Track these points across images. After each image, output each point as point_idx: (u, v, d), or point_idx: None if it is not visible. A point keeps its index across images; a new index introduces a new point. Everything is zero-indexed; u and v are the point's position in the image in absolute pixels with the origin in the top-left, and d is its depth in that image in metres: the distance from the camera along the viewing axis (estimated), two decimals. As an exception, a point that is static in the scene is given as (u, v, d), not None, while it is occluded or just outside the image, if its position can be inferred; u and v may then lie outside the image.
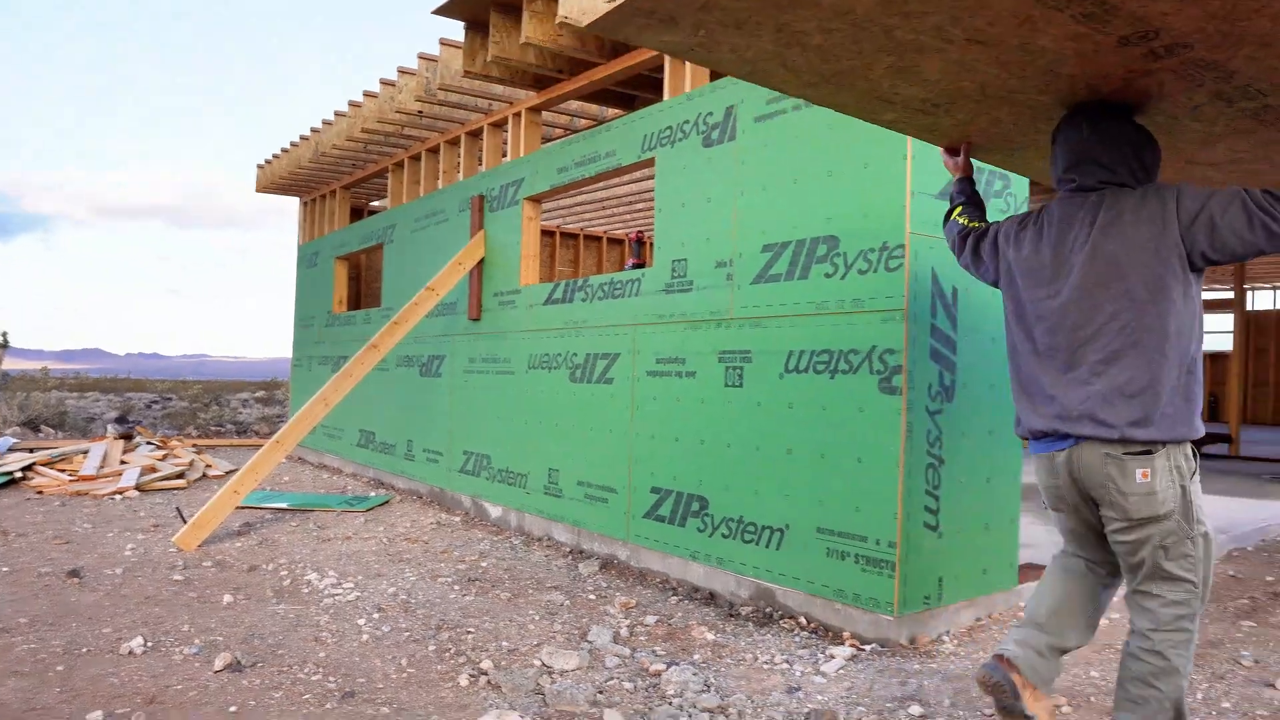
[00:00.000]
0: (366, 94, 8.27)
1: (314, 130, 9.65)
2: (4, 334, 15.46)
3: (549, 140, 7.91)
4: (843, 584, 4.21)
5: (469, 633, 4.18)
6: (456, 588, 5.00)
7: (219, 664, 3.64)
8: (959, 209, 3.20)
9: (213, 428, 14.62)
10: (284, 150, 10.55)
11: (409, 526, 6.75)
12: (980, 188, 4.27)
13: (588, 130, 6.29)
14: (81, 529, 6.41)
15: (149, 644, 3.90)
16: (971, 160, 3.30)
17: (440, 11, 6.11)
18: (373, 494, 8.24)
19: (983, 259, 3.00)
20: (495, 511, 6.92)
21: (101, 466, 8.85)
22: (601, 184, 9.21)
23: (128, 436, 10.87)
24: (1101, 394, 2.50)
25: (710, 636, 4.19)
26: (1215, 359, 18.30)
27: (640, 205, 10.33)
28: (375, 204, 12.16)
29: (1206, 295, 14.39)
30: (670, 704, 3.33)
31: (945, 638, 4.10)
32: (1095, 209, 2.58)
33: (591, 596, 4.89)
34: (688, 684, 3.50)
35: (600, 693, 3.45)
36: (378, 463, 9.02)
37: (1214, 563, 2.63)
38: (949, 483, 4.15)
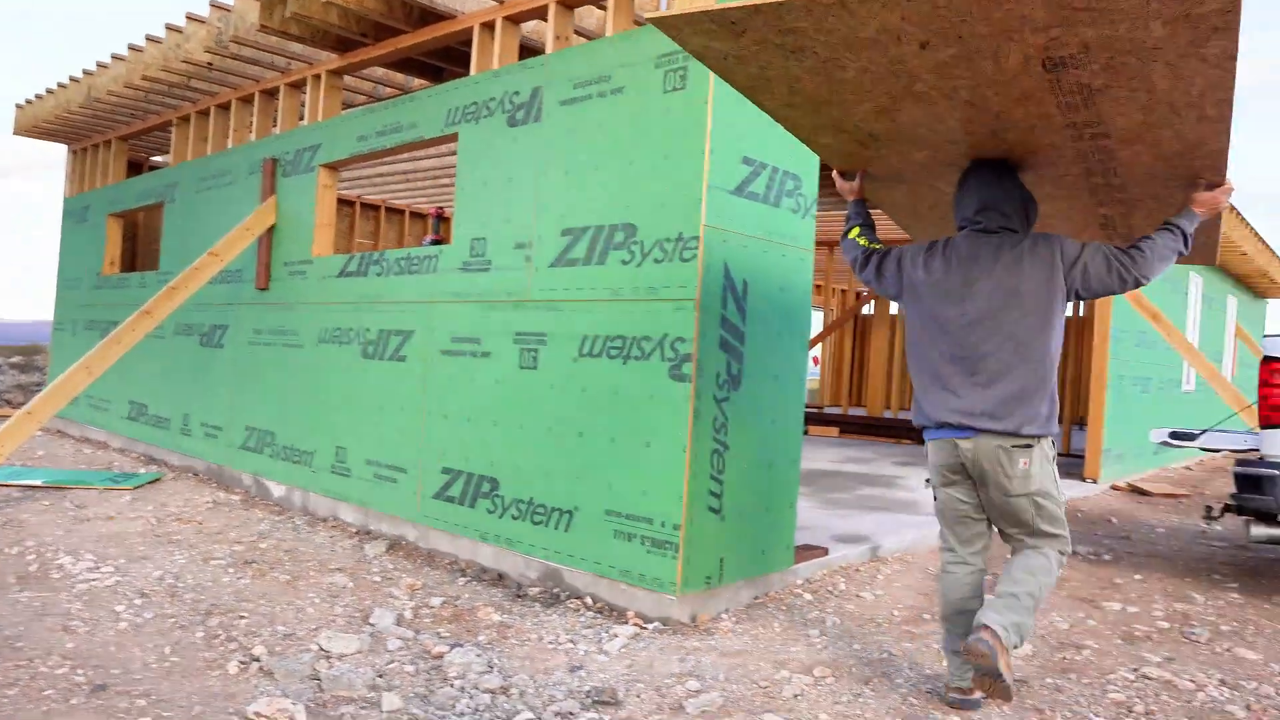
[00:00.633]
0: (150, 39, 7.62)
1: (87, 72, 8.79)
2: None
3: (350, 106, 7.59)
4: (628, 565, 4.33)
5: (242, 618, 4.00)
6: (231, 570, 4.76)
7: (-55, 660, 3.30)
8: (857, 230, 3.66)
9: (-45, 395, 13.10)
10: (50, 91, 9.55)
11: (182, 505, 6.34)
12: (774, 186, 4.50)
13: (392, 99, 6.09)
14: None
15: None
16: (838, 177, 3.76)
17: (232, -42, 5.72)
18: (142, 471, 7.67)
19: (885, 276, 3.52)
20: (278, 490, 6.62)
21: None
22: (406, 155, 8.95)
23: None
24: (999, 398, 3.12)
25: (497, 617, 4.20)
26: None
27: (445, 180, 10.11)
28: (157, 159, 11.24)
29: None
30: (452, 685, 3.32)
31: (725, 616, 4.29)
32: (998, 249, 3.21)
33: (377, 578, 4.78)
34: (470, 665, 3.50)
35: (380, 676, 3.39)
36: (150, 437, 8.40)
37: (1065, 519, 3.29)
38: (733, 468, 4.35)
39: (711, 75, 4.10)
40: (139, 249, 11.09)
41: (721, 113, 4.17)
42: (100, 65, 8.54)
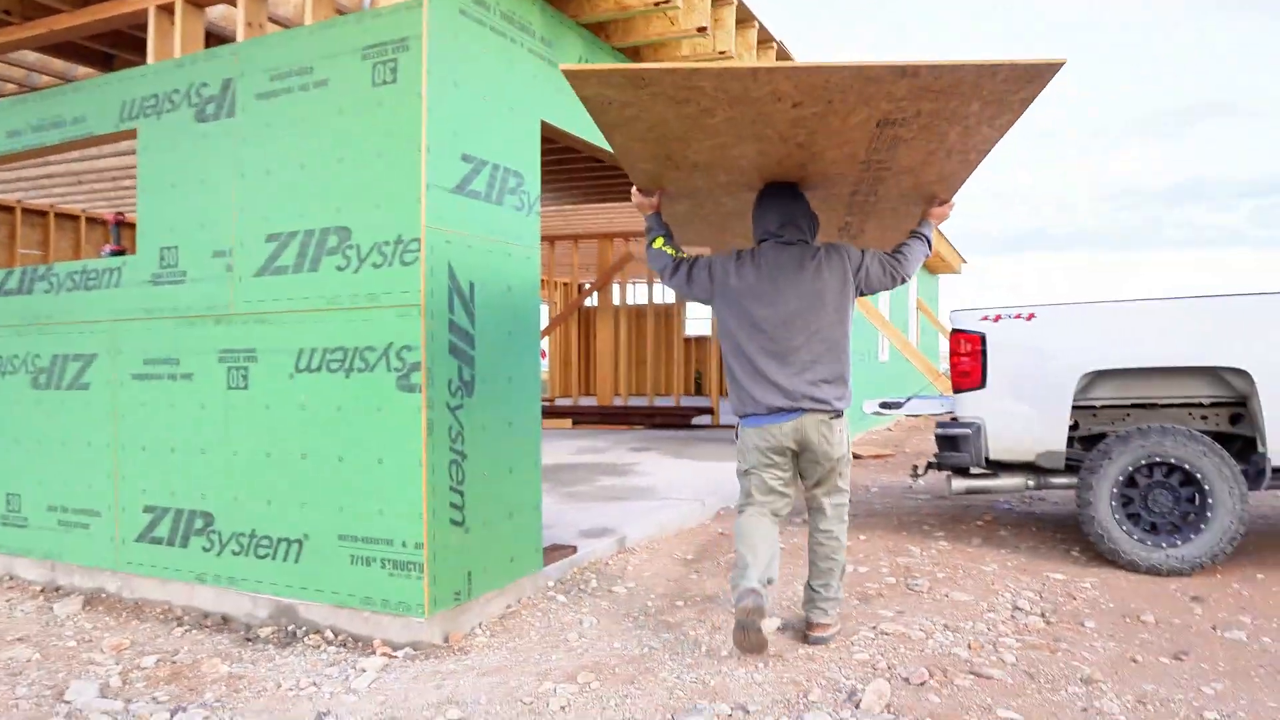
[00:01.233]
0: None
1: None
2: None
3: (-4, 97, 6.52)
4: (370, 591, 4.02)
5: (-113, 723, 3.28)
6: None
7: None
8: (661, 240, 4.00)
9: None
10: None
11: None
12: (496, 184, 4.34)
13: (51, 89, 5.26)
14: None
15: None
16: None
17: None
18: None
19: (695, 282, 3.91)
20: (-64, 555, 5.58)
21: None
22: (77, 154, 7.87)
23: None
24: (813, 382, 3.66)
25: (225, 669, 3.75)
26: (700, 342, 20.90)
27: (128, 182, 9.03)
28: None
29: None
30: (170, 763, 2.90)
31: (478, 630, 4.10)
32: (800, 258, 3.73)
33: (72, 643, 4.13)
34: (193, 734, 3.08)
35: (78, 767, 2.89)
36: None
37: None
38: (473, 477, 4.16)
39: (425, 67, 3.87)
40: None
41: (438, 107, 3.94)
42: None
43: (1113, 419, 5.36)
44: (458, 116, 4.08)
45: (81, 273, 4.99)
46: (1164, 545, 4.84)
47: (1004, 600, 4.36)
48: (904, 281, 3.89)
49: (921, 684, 3.31)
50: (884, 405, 5.96)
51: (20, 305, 5.23)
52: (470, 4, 4.17)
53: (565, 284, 19.03)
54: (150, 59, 4.77)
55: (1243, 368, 4.83)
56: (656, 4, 4.76)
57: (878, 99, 3.04)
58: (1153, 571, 4.81)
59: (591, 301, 16.88)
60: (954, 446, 5.37)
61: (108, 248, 5.13)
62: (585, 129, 5.12)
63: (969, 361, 5.32)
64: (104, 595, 4.84)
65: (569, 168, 8.20)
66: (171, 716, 3.23)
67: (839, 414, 3.71)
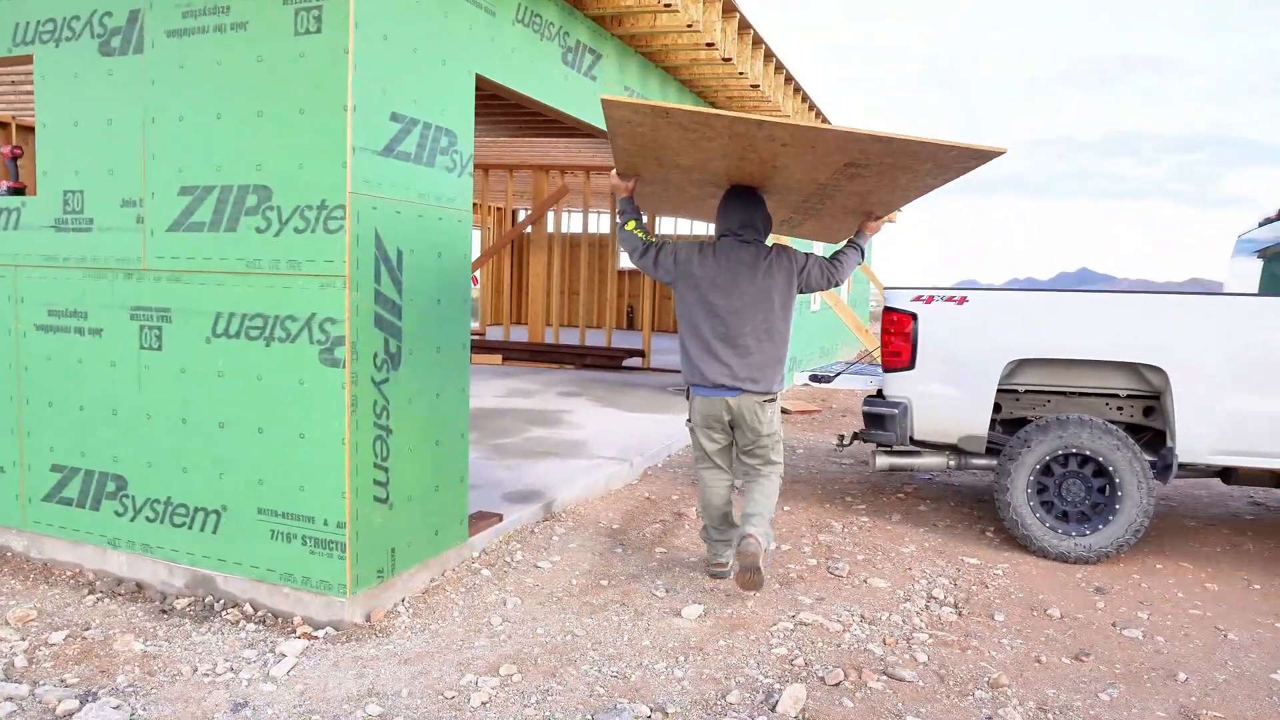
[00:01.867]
0: None
1: None
2: None
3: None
4: (291, 567, 3.92)
5: None
6: None
7: None
8: (633, 224, 4.45)
9: None
10: None
11: None
12: (427, 145, 4.13)
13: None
14: None
15: None
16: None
17: None
18: None
19: (661, 265, 4.38)
20: None
21: None
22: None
23: None
24: (755, 365, 4.19)
25: (139, 647, 3.63)
26: (634, 275, 20.84)
27: (29, 86, 8.40)
28: None
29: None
30: (72, 762, 2.80)
31: (401, 607, 4.05)
32: (755, 256, 4.26)
33: (-30, 611, 3.96)
34: (101, 726, 2.98)
35: (-28, 765, 2.78)
36: None
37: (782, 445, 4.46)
38: (398, 452, 4.05)
39: (352, 18, 3.61)
40: None
41: (365, 63, 3.70)
42: None
43: (1034, 404, 5.47)
44: (387, 72, 3.84)
45: (-24, 210, 4.64)
46: (1073, 534, 5.00)
47: (920, 588, 4.46)
48: (838, 284, 4.48)
49: (836, 685, 3.37)
50: (814, 378, 5.98)
51: (-92, 240, 4.85)
52: (405, -49, 3.90)
53: (499, 209, 18.60)
54: (49, -20, 4.37)
55: (1159, 365, 4.95)
56: (612, -29, 4.53)
57: (852, 151, 3.66)
58: (1061, 559, 4.97)
59: (527, 229, 16.56)
60: (880, 425, 5.43)
61: (4, 184, 4.77)
62: (522, 83, 4.91)
63: (899, 341, 5.34)
64: (10, 554, 4.65)
65: (504, 102, 7.90)
66: (81, 705, 3.13)
67: (773, 398, 4.27)
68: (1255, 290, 7.17)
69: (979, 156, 3.52)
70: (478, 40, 4.47)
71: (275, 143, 3.81)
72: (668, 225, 20.22)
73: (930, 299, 5.34)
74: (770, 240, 4.59)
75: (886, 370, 5.45)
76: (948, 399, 5.31)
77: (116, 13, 4.14)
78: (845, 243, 4.54)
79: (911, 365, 5.35)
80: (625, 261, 20.09)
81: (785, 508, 5.84)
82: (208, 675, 3.41)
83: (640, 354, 12.84)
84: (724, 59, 6.47)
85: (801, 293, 4.37)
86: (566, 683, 3.35)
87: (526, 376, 11.67)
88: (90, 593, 4.23)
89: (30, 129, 10.20)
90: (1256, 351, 4.83)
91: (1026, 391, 5.45)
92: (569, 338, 15.61)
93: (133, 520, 4.30)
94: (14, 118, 7.66)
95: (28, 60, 4.51)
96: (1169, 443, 5.03)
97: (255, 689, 3.30)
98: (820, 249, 12.12)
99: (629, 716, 3.09)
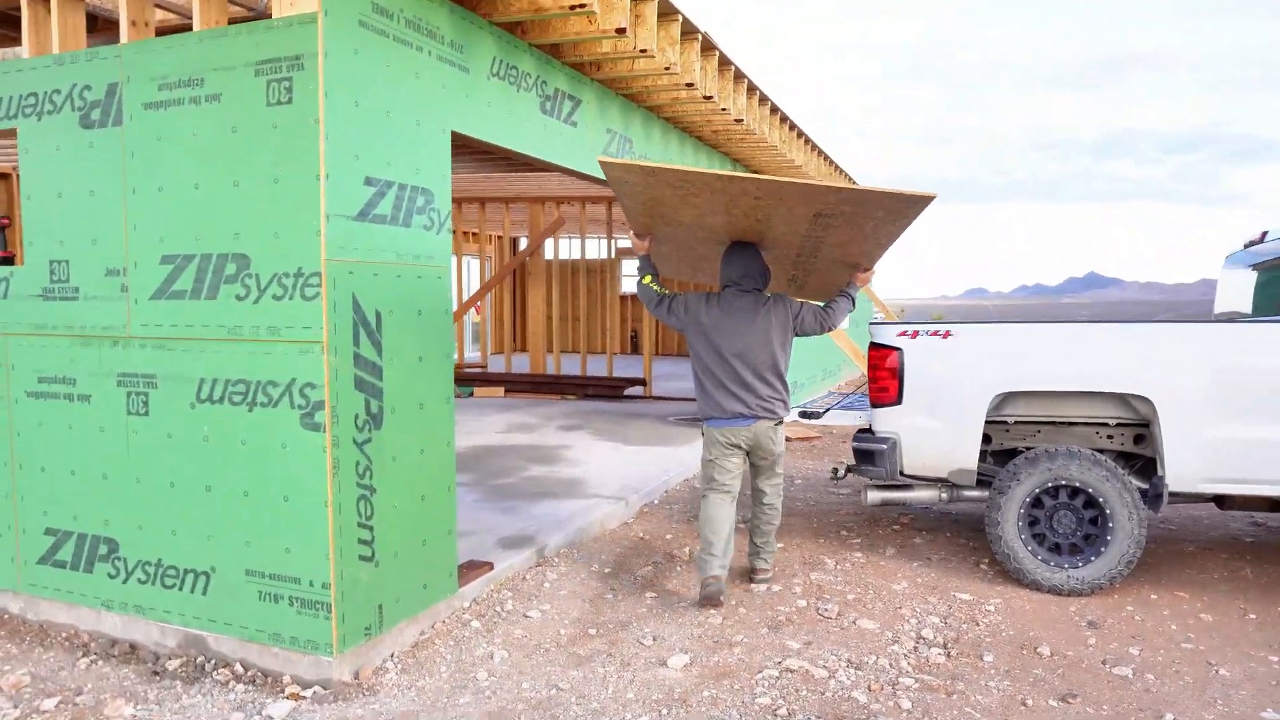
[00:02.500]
0: None
1: None
2: None
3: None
4: (279, 628, 3.96)
5: None
6: None
7: None
8: (649, 278, 5.11)
9: None
10: None
11: None
12: (403, 205, 4.18)
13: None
14: None
15: None
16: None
17: None
18: None
19: (675, 314, 5.00)
20: None
21: None
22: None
23: None
24: (764, 398, 4.83)
25: (129, 711, 3.68)
26: (637, 300, 20.79)
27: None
28: None
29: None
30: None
31: (390, 663, 4.07)
32: (754, 304, 4.88)
33: (-35, 679, 4.00)
34: (81, 805, 3.01)
35: None
36: None
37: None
38: (383, 510, 4.08)
39: (322, 88, 3.67)
40: None
41: (337, 130, 3.76)
42: None
43: (1024, 435, 5.46)
44: (360, 138, 3.90)
45: (-33, 280, 4.72)
46: (1065, 566, 4.98)
47: (909, 628, 4.46)
48: (831, 329, 5.06)
49: (820, 738, 3.37)
50: (803, 414, 5.99)
51: (-98, 310, 4.94)
52: (370, 14, 3.96)
53: (499, 237, 18.70)
54: (27, 52, 4.48)
55: (1144, 394, 4.94)
56: (571, 7, 4.58)
57: (815, 202, 4.28)
58: (1054, 591, 4.95)
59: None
60: (869, 460, 5.43)
61: (-6, 254, 4.86)
62: (499, 135, 4.98)
63: (886, 376, 5.35)
64: (7, 616, 4.71)
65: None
66: (65, 776, 3.16)
67: (781, 421, 4.93)
68: (1249, 304, 7.14)
69: (913, 201, 4.16)
70: (452, 98, 4.53)
71: (251, 212, 3.87)
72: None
73: (915, 334, 5.35)
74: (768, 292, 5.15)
75: (874, 405, 5.45)
76: (935, 433, 5.30)
77: (95, 86, 4.22)
78: (839, 292, 5.08)
79: (898, 400, 5.35)
80: (629, 286, 20.18)
81: (779, 545, 5.83)
82: (195, 742, 3.44)
83: (642, 383, 12.85)
84: (705, 97, 6.52)
85: (799, 335, 5.00)
86: (549, 743, 3.37)
87: (528, 409, 11.71)
88: (84, 654, 4.28)
89: None
90: (1242, 378, 4.82)
91: (1016, 423, 5.45)
92: (571, 364, 15.63)
93: (125, 582, 4.34)
94: (6, 218, 7.81)
95: (12, 134, 4.59)
96: (1159, 471, 5.01)
97: (241, 756, 3.33)
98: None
99: (609, 778, 3.10)
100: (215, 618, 4.12)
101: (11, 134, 5.20)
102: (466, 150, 7.04)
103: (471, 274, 18.22)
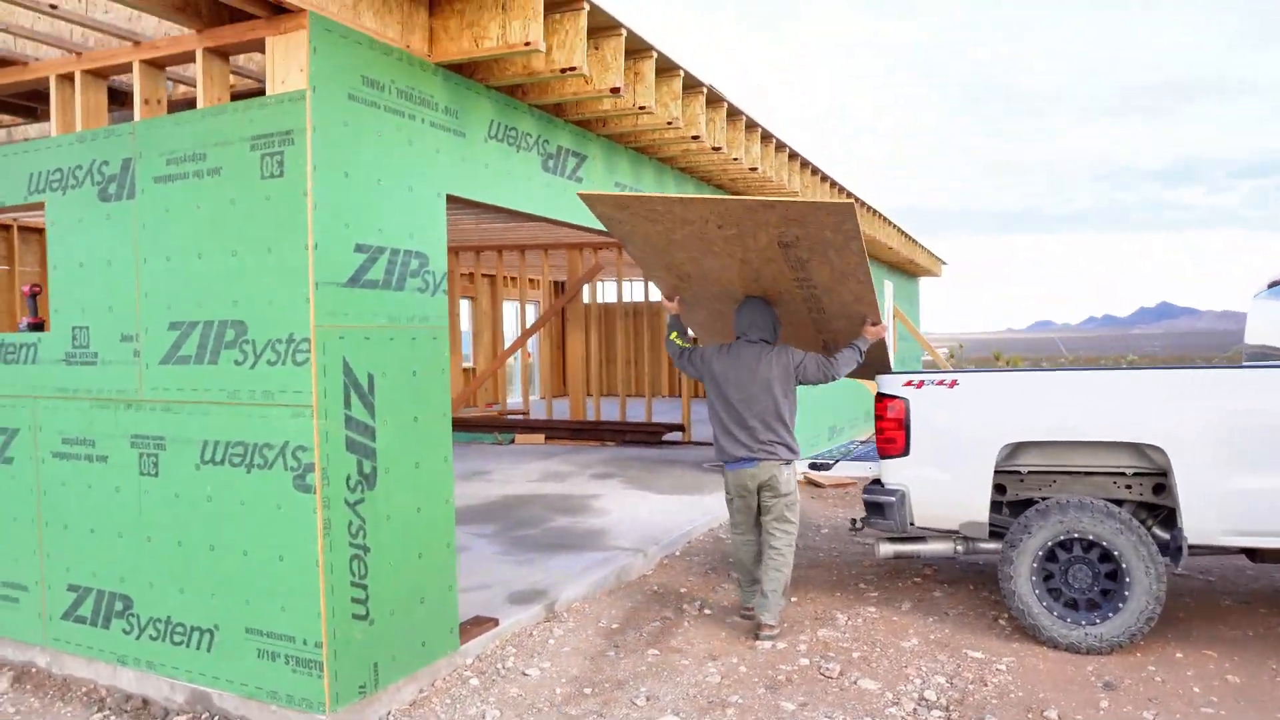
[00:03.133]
0: None
1: None
2: None
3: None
4: (276, 685, 4.04)
5: None
6: None
7: None
8: (675, 334, 5.53)
9: None
10: None
11: None
12: (396, 270, 4.30)
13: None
14: None
15: None
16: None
17: None
18: None
19: (693, 365, 5.42)
20: None
21: None
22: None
23: None
24: (766, 442, 5.10)
25: (128, 765, 3.78)
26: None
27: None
28: None
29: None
30: None
31: (386, 720, 4.13)
32: (758, 353, 5.18)
33: (-16, 733, 4.16)
34: None
35: None
36: None
37: (799, 510, 5.38)
38: (377, 569, 4.15)
39: (310, 161, 3.82)
40: None
41: (326, 201, 3.90)
42: None
43: (1040, 485, 5.33)
44: (350, 207, 4.04)
45: (1, 346, 4.98)
46: (1083, 623, 4.82)
47: (912, 688, 4.35)
48: (835, 379, 5.25)
49: (798, 806, 3.30)
50: (813, 466, 5.93)
51: (-57, 375, 5.22)
52: (361, 87, 4.11)
53: (550, 281, 19.00)
54: (54, 130, 4.73)
55: (1157, 444, 4.79)
56: (563, 70, 4.69)
57: (765, 225, 4.61)
58: (1072, 649, 4.79)
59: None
60: (879, 513, 5.35)
61: (25, 320, 5.11)
62: (498, 195, 5.11)
63: (893, 427, 5.28)
64: (34, 670, 4.88)
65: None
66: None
67: (787, 462, 5.16)
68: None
69: (834, 211, 4.44)
70: (447, 162, 4.66)
71: (248, 280, 4.02)
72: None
73: (921, 383, 5.28)
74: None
75: (882, 457, 5.38)
76: (944, 485, 5.21)
77: (112, 161, 4.45)
78: (848, 345, 5.30)
79: (906, 451, 5.28)
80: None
81: (793, 598, 5.76)
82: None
83: (680, 428, 12.84)
84: (713, 148, 6.58)
85: (802, 383, 5.23)
86: (524, 807, 3.36)
87: (565, 457, 11.77)
88: (99, 709, 4.41)
89: (31, 230, 10.77)
90: (1260, 426, 4.65)
91: (1030, 473, 5.32)
92: (612, 408, 15.69)
93: (138, 638, 4.48)
94: (15, 220, 8.03)
95: (40, 207, 4.85)
96: (1179, 523, 4.84)
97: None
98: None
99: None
100: (219, 675, 4.22)
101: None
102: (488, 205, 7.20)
103: (517, 319, 18.50)
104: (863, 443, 7.30)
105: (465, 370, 16.74)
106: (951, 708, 4.14)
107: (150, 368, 4.36)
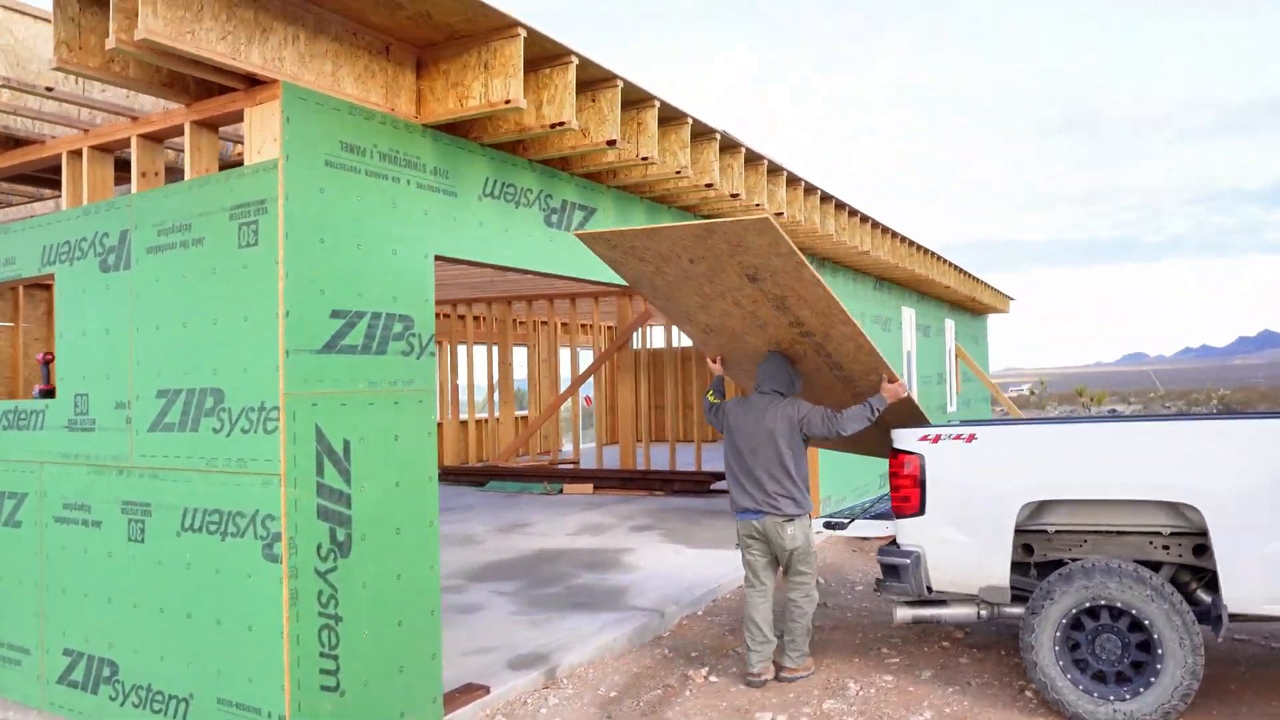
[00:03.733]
0: None
1: None
2: None
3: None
4: (247, 756, 3.98)
5: None
6: None
7: None
8: (710, 393, 5.71)
9: None
10: None
11: None
12: (377, 334, 4.28)
13: (-12, 229, 5.45)
14: None
15: None
16: None
17: None
18: None
19: (717, 418, 5.52)
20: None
21: None
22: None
23: None
24: (770, 494, 5.15)
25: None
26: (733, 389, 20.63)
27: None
28: None
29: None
30: None
31: (358, 793, 4.02)
32: (766, 405, 5.23)
33: (-24, 798, 4.19)
34: None
35: None
36: None
37: (816, 564, 5.40)
38: (349, 638, 4.08)
39: (281, 230, 3.83)
40: None
41: (299, 267, 3.90)
42: None
43: (1069, 545, 4.98)
44: (326, 272, 4.03)
45: (14, 412, 5.12)
46: (1111, 698, 4.45)
47: (912, 771, 4.06)
48: (840, 435, 5.15)
49: None
50: (828, 524, 5.68)
51: (-33, 439, 5.40)
52: (339, 153, 4.13)
53: (609, 327, 19.05)
54: (65, 204, 4.88)
55: (1191, 503, 4.43)
56: (552, 125, 4.65)
57: (724, 255, 4.60)
58: (1098, 727, 4.43)
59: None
60: (895, 575, 5.07)
61: (38, 388, 5.26)
62: (494, 253, 5.10)
63: (908, 485, 5.02)
64: (33, 732, 4.93)
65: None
66: None
67: (790, 518, 5.12)
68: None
69: (755, 226, 4.35)
70: (435, 223, 4.65)
71: (226, 348, 4.05)
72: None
73: (937, 438, 5.02)
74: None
75: (897, 516, 5.11)
76: (962, 546, 4.91)
77: (111, 233, 4.56)
78: (863, 403, 5.19)
79: (921, 510, 5.00)
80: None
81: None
82: None
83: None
84: (732, 195, 6.46)
85: (808, 436, 5.21)
86: None
87: (609, 508, 11.62)
88: (90, 776, 4.41)
89: (37, 287, 11.10)
90: (1304, 485, 4.26)
91: (1058, 531, 4.98)
92: (661, 455, 15.50)
93: (122, 705, 4.48)
94: (49, 354, 8.21)
95: (51, 278, 4.99)
96: (1219, 591, 4.45)
97: None
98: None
99: None
100: (196, 744, 4.19)
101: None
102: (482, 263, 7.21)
103: (570, 366, 18.55)
104: (872, 500, 6.98)
105: (518, 419, 16.79)
106: (954, 795, 3.84)
107: (140, 434, 4.40)
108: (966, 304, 16.06)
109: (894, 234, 10.31)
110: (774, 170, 7.08)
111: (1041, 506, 4.89)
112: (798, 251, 4.44)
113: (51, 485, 4.87)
